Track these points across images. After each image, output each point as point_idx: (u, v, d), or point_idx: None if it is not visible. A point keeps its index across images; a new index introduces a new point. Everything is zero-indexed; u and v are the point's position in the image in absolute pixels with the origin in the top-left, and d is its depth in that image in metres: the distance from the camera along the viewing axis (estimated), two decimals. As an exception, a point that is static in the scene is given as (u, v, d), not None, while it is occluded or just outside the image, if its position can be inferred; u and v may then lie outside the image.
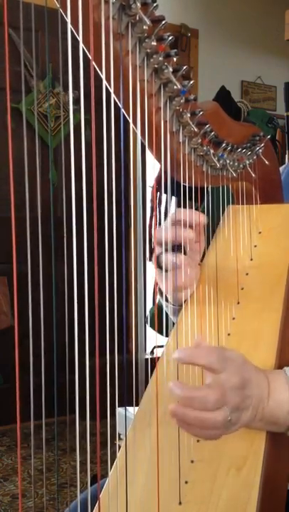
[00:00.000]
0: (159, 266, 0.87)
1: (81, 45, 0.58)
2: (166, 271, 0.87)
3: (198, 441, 0.72)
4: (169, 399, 0.61)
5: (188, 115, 0.75)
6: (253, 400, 0.67)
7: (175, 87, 0.70)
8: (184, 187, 0.82)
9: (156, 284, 0.97)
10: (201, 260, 0.93)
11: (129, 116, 0.68)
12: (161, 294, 0.99)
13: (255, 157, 0.92)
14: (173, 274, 0.86)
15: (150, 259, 2.81)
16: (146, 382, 0.78)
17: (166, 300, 0.97)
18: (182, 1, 3.72)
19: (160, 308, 1.01)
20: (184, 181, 0.81)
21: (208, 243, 0.94)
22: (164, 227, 0.86)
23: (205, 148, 0.80)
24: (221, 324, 0.84)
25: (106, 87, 0.63)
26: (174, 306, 0.94)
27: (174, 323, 0.91)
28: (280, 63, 4.21)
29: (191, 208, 0.84)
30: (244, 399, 0.65)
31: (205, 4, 3.85)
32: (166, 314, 0.99)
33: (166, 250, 0.86)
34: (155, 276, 0.91)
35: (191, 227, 0.85)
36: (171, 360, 0.78)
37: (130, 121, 0.69)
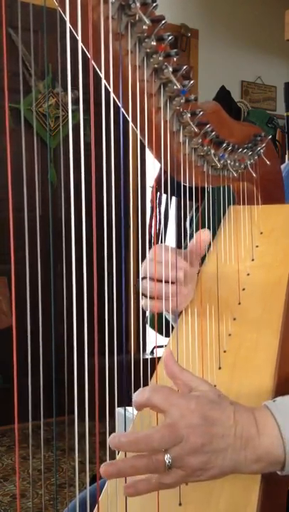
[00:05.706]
0: (148, 295, 0.86)
1: (80, 45, 0.57)
2: (153, 298, 0.85)
3: None
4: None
5: (189, 115, 0.74)
6: (230, 440, 0.59)
7: (175, 87, 0.70)
8: (184, 187, 0.82)
9: None
10: (202, 260, 0.92)
11: (129, 116, 0.68)
12: None
13: (256, 157, 0.91)
14: (166, 301, 0.85)
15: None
16: (146, 382, 0.78)
17: None
18: (182, 1, 3.72)
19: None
20: (185, 181, 0.81)
21: (209, 244, 0.94)
22: (148, 262, 0.85)
23: (206, 148, 0.80)
24: (222, 325, 0.84)
25: (106, 87, 0.63)
26: (174, 316, 0.94)
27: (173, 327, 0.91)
28: (280, 63, 4.21)
29: (192, 207, 0.84)
30: (212, 439, 0.58)
31: (205, 4, 3.84)
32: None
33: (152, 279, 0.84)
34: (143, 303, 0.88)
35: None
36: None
37: (130, 121, 0.68)
